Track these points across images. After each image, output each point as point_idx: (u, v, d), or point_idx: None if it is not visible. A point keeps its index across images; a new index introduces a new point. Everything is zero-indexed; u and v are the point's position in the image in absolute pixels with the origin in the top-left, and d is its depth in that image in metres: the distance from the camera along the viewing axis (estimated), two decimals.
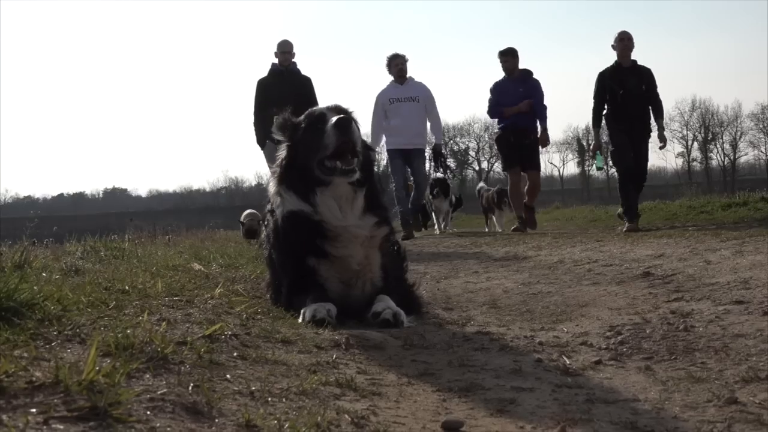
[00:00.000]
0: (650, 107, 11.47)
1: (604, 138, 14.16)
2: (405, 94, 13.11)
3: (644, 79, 11.49)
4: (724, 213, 13.39)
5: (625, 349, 2.79)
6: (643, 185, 11.84)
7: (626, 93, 11.31)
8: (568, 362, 2.60)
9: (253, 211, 11.92)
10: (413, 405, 2.05)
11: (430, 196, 16.15)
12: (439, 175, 17.07)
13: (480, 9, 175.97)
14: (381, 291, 3.64)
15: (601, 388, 2.25)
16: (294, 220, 3.61)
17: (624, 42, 11.46)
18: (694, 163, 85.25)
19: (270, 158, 9.79)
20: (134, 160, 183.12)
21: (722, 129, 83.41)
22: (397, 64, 13.16)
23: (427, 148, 15.15)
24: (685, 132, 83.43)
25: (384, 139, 13.41)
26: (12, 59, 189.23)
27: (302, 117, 3.77)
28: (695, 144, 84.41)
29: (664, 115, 11.80)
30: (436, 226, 16.81)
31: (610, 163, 12.28)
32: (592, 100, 11.73)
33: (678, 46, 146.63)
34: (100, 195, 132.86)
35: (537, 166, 13.47)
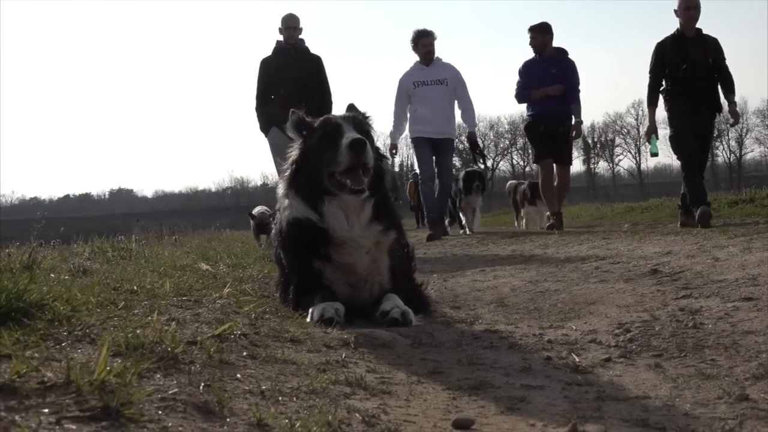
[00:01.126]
0: (718, 83, 9.85)
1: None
2: (432, 76, 11.71)
3: (711, 50, 9.93)
4: (731, 210, 13.38)
5: (634, 347, 2.79)
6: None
7: (690, 66, 9.78)
8: (577, 360, 2.60)
9: (265, 207, 11.82)
10: (423, 403, 2.05)
11: (463, 193, 14.31)
12: (476, 167, 15.27)
13: (488, 5, 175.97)
14: (389, 291, 3.64)
15: (611, 385, 2.25)
16: (299, 226, 3.61)
17: (690, 12, 9.91)
18: None
19: (274, 146, 9.47)
20: (140, 161, 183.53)
21: (728, 126, 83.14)
22: (425, 44, 11.74)
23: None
24: None
25: (407, 127, 12.16)
26: (19, 61, 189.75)
27: (318, 123, 3.72)
28: None
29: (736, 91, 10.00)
30: (466, 227, 14.37)
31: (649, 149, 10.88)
32: (648, 75, 10.19)
33: None
34: (106, 196, 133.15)
35: (568, 159, 12.14)
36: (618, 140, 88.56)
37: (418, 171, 13.13)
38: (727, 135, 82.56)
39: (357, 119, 3.70)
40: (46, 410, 1.44)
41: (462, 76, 11.98)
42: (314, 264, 3.60)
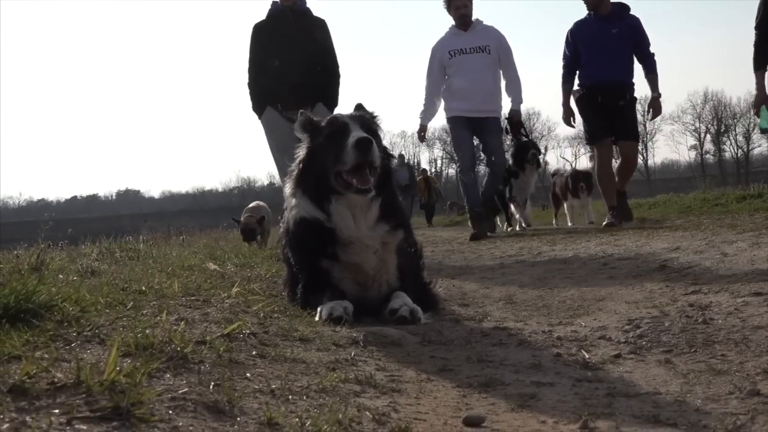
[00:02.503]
0: None
1: None
2: (471, 43, 9.94)
3: None
4: (739, 205, 13.30)
5: (644, 343, 2.78)
6: None
7: None
8: (587, 356, 2.59)
9: (256, 205, 10.90)
10: (433, 401, 2.05)
11: (513, 175, 12.07)
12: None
13: (496, 2, 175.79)
14: (397, 290, 3.64)
15: (622, 381, 2.24)
16: (305, 226, 3.61)
17: None
18: (707, 156, 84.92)
19: (269, 129, 8.41)
20: (147, 162, 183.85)
21: (735, 121, 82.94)
22: (458, 6, 9.98)
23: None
24: (697, 124, 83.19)
25: (442, 104, 10.26)
26: (25, 63, 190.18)
27: (324, 122, 3.71)
28: (708, 136, 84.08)
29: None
30: (519, 221, 12.32)
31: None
32: (754, 32, 8.35)
33: (689, 39, 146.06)
34: (114, 197, 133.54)
35: (634, 134, 10.00)
36: None
37: (456, 157, 10.74)
38: (734, 130, 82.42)
39: (364, 118, 3.69)
40: (57, 411, 1.44)
41: (507, 42, 10.17)
42: (322, 263, 3.59)
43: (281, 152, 8.05)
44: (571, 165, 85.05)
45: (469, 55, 9.92)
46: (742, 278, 3.81)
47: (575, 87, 9.98)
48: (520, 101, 10.34)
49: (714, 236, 5.86)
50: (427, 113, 10.38)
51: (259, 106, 8.48)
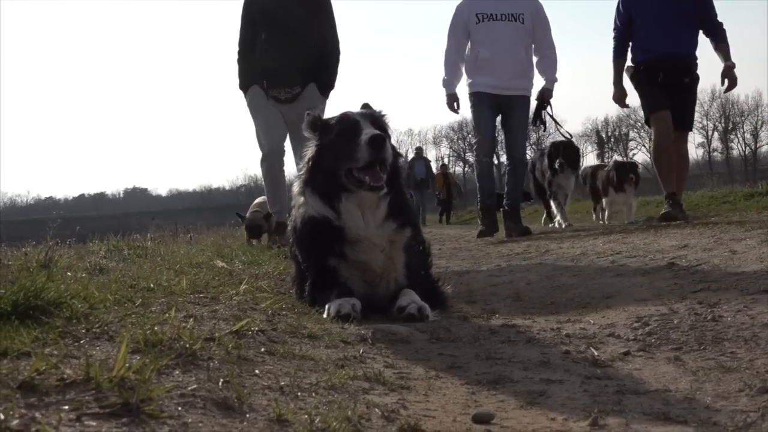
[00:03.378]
0: None
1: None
2: (503, 8, 8.73)
3: None
4: (747, 203, 13.28)
5: (653, 340, 2.77)
6: None
7: None
8: (596, 354, 2.58)
9: (264, 200, 9.67)
10: (442, 398, 2.05)
11: (549, 172, 11.35)
12: (563, 135, 11.73)
13: None
14: (405, 287, 3.64)
15: (631, 379, 2.23)
16: (314, 224, 3.61)
17: None
18: (715, 154, 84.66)
19: (253, 109, 7.86)
20: (154, 160, 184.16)
21: (743, 118, 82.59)
22: None
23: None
24: (705, 122, 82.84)
25: (464, 77, 9.13)
26: (33, 62, 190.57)
27: (334, 119, 3.70)
28: (716, 134, 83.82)
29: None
30: (557, 218, 11.67)
31: None
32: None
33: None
34: (121, 195, 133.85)
35: (689, 123, 8.76)
36: (632, 134, 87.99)
37: (474, 141, 9.51)
38: (742, 128, 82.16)
39: (374, 116, 3.69)
40: (66, 407, 1.44)
41: (545, 12, 9.04)
42: (329, 261, 3.59)
43: (264, 133, 7.85)
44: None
45: (500, 23, 8.72)
46: (751, 276, 3.79)
47: (628, 63, 8.73)
48: (554, 79, 9.15)
49: (722, 234, 5.84)
50: (452, 80, 9.17)
51: (244, 83, 7.96)
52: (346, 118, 3.66)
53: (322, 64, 7.76)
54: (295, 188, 3.81)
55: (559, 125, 10.71)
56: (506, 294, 4.45)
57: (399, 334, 2.92)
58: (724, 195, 14.98)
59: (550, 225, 12.04)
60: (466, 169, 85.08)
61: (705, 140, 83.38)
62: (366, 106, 3.94)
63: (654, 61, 8.34)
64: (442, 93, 9.29)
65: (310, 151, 3.74)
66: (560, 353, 2.64)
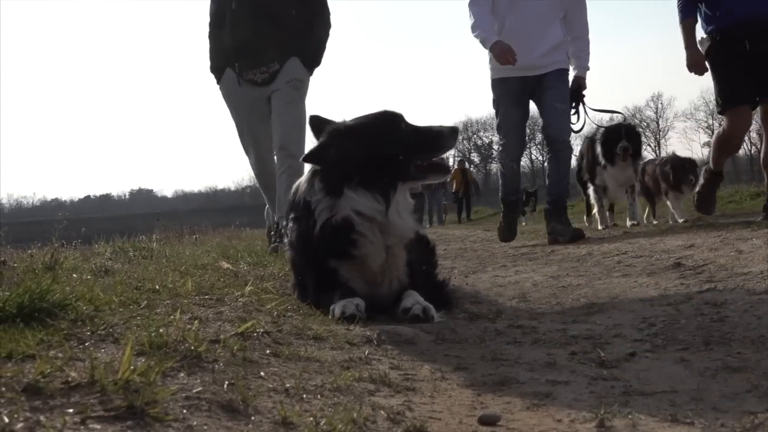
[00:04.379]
0: None
1: None
2: None
3: None
4: (753, 202, 13.27)
5: (659, 341, 2.76)
6: None
7: None
8: (602, 354, 2.57)
9: None
10: (448, 400, 2.04)
11: (602, 160, 9.58)
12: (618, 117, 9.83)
13: None
14: (407, 287, 3.62)
15: (638, 379, 2.22)
16: (342, 226, 3.47)
17: None
18: None
19: (228, 101, 6.84)
20: (160, 161, 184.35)
21: None
22: None
23: None
24: (711, 121, 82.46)
25: (487, 60, 7.68)
26: (39, 63, 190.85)
27: (364, 117, 3.69)
28: None
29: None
30: (596, 217, 10.30)
31: None
32: None
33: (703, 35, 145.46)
34: (127, 196, 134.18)
35: None
36: None
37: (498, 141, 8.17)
38: None
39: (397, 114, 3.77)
40: (71, 410, 1.44)
41: None
42: (334, 263, 3.58)
43: (252, 141, 6.94)
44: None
45: None
46: (758, 275, 3.79)
47: (702, 36, 7.20)
48: (587, 66, 7.88)
49: (728, 233, 5.83)
50: (490, 31, 7.33)
51: (215, 65, 6.87)
52: (385, 115, 3.69)
53: (305, 35, 6.55)
54: (317, 187, 3.59)
55: (611, 111, 9.17)
56: (512, 295, 4.44)
57: (404, 335, 2.91)
58: (730, 194, 14.98)
59: (601, 226, 10.08)
60: (471, 169, 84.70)
61: (710, 139, 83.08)
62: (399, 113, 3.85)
63: (735, 26, 6.67)
64: (480, 63, 8.07)
65: (337, 149, 3.57)
66: (566, 354, 2.63)
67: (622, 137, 9.45)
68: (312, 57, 6.63)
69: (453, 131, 3.63)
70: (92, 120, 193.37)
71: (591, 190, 10.35)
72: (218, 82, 6.88)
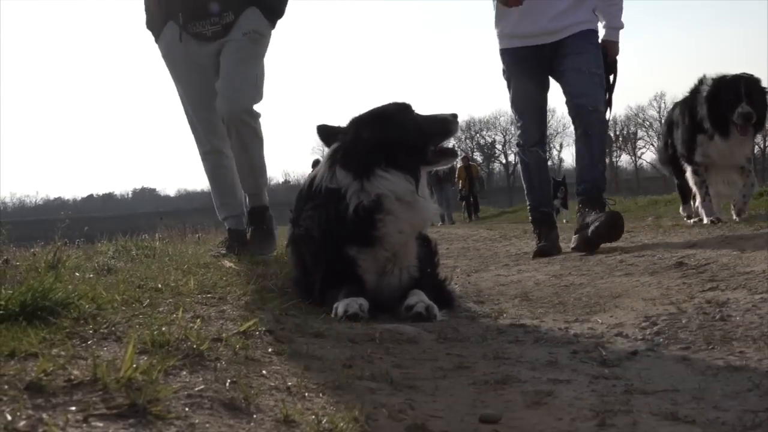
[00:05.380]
0: None
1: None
2: None
3: None
4: (757, 201, 13.23)
5: (661, 340, 2.76)
6: None
7: None
8: (604, 353, 2.57)
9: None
10: (450, 398, 2.04)
11: (709, 128, 7.29)
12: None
13: None
14: (416, 283, 3.63)
15: (639, 378, 2.23)
16: (382, 203, 3.51)
17: None
18: None
19: (170, 63, 5.65)
20: (162, 160, 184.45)
21: None
22: None
23: None
24: None
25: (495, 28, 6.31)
26: (40, 61, 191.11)
27: (384, 107, 3.85)
28: None
29: None
30: (699, 209, 7.87)
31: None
32: None
33: (705, 34, 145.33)
34: (129, 195, 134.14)
35: None
36: (640, 133, 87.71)
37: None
38: None
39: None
40: (73, 408, 1.44)
41: None
42: (351, 252, 3.60)
43: (187, 97, 5.78)
44: None
45: None
46: (760, 275, 3.78)
47: None
48: (619, 25, 6.32)
49: (731, 232, 5.82)
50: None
51: (153, 20, 5.64)
52: (391, 104, 3.88)
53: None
54: (341, 173, 3.58)
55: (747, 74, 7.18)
56: (514, 293, 4.44)
57: (406, 334, 2.92)
58: None
59: (692, 220, 8.15)
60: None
61: None
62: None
63: None
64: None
65: (367, 133, 3.68)
66: (568, 353, 2.64)
67: (741, 98, 7.01)
68: (274, 6, 5.47)
69: (455, 117, 3.85)
70: (95, 119, 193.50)
71: (689, 171, 7.83)
72: (156, 40, 5.64)
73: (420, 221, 3.69)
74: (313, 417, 1.64)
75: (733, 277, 3.88)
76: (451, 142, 4.22)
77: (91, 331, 2.20)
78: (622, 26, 6.32)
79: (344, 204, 3.52)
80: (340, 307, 3.31)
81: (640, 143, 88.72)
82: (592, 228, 5.70)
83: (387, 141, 3.61)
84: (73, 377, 1.59)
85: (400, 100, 3.87)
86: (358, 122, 3.77)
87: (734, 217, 7.70)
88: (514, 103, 6.40)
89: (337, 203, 3.56)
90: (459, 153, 5.00)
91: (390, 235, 3.55)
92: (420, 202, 3.62)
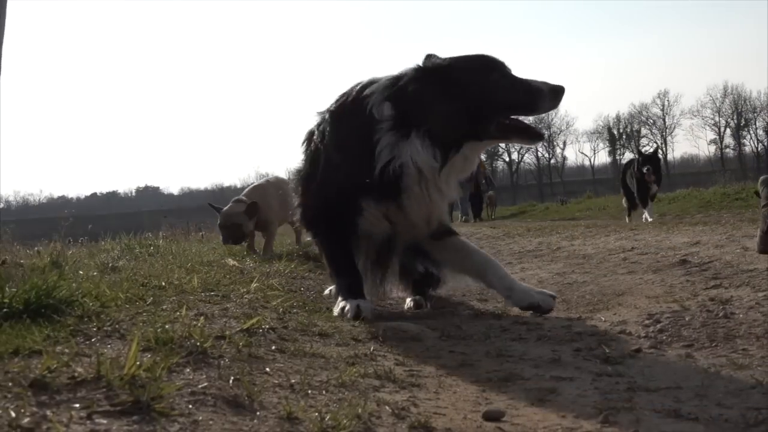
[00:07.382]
0: None
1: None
2: None
3: None
4: (759, 200, 13.22)
5: (664, 337, 2.76)
6: None
7: None
8: (607, 351, 2.57)
9: (260, 184, 7.98)
10: (453, 396, 2.05)
11: None
12: None
13: None
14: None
15: (642, 376, 2.23)
16: (402, 172, 3.31)
17: None
18: (727, 150, 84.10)
19: None
20: (166, 158, 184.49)
21: (755, 115, 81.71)
22: None
23: None
24: (717, 119, 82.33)
25: None
26: (45, 61, 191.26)
27: (466, 59, 3.43)
28: (728, 130, 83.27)
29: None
30: None
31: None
32: None
33: (709, 32, 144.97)
34: (133, 193, 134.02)
35: None
36: (644, 131, 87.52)
37: None
38: (755, 124, 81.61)
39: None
40: (77, 405, 1.44)
41: None
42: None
43: None
44: (590, 160, 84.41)
45: None
46: (763, 273, 3.78)
47: None
48: None
49: (734, 230, 5.82)
50: None
51: None
52: (477, 57, 3.45)
53: None
54: (388, 114, 3.36)
55: None
56: None
57: (410, 332, 2.92)
58: (736, 192, 14.93)
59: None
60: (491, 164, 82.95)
61: (717, 137, 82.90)
62: (429, 57, 3.51)
63: None
64: None
65: (425, 88, 3.34)
66: (571, 351, 2.64)
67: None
68: None
69: (555, 92, 3.26)
70: (98, 117, 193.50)
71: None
72: None
73: (426, 214, 3.54)
74: (316, 414, 1.64)
75: (737, 274, 3.88)
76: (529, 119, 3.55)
77: (94, 329, 2.20)
78: None
79: (374, 143, 3.33)
80: (342, 306, 3.32)
81: (643, 141, 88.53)
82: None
83: (440, 102, 3.31)
84: (76, 374, 1.59)
85: (493, 55, 3.45)
86: (428, 71, 3.39)
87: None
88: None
89: (369, 136, 3.34)
90: (544, 134, 4.40)
91: (412, 204, 3.44)
92: (437, 185, 3.39)
